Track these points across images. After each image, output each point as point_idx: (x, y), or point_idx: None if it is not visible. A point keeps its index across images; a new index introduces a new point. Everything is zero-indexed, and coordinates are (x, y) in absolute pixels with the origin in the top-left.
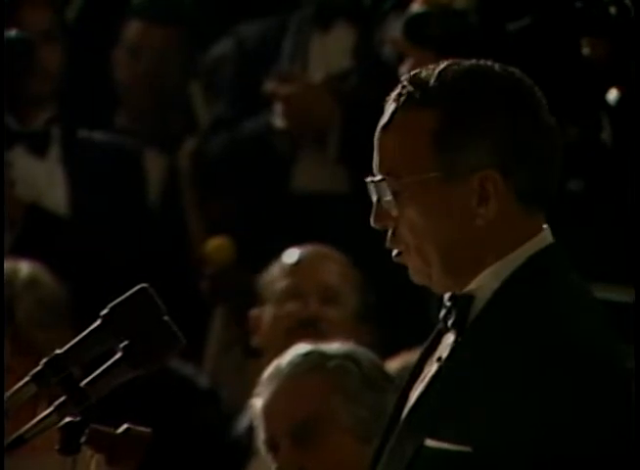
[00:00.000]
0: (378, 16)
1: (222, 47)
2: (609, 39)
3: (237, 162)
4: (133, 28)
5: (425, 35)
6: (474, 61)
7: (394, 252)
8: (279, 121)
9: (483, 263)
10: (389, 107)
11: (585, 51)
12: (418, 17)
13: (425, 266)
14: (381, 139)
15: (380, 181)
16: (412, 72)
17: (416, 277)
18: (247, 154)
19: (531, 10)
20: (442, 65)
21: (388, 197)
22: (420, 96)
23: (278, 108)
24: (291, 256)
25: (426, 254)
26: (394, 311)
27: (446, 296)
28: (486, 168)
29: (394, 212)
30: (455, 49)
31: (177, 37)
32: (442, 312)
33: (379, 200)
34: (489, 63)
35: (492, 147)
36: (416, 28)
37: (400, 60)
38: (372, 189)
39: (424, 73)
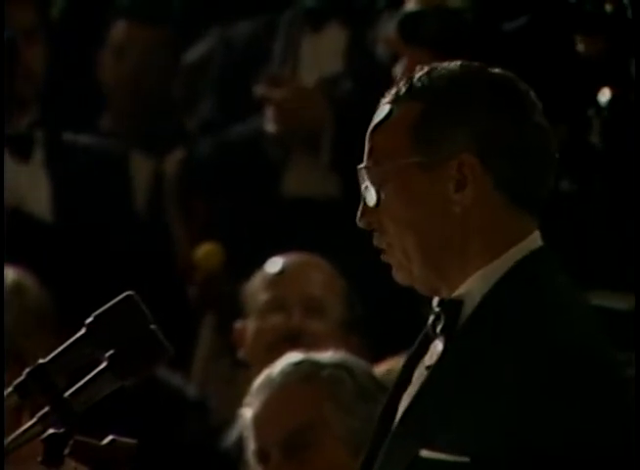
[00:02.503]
0: (371, 15)
1: (205, 46)
2: (603, 37)
3: (226, 166)
4: (119, 28)
5: (419, 35)
6: (466, 62)
7: (382, 252)
8: (270, 126)
9: (468, 259)
10: (383, 106)
11: (580, 48)
12: (412, 16)
13: (406, 261)
14: (370, 134)
15: (361, 169)
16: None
17: (398, 275)
18: (236, 158)
19: (527, 9)
20: (436, 64)
21: (368, 185)
22: (406, 91)
23: (269, 112)
24: (273, 265)
25: (406, 246)
26: (385, 319)
27: (435, 301)
28: (463, 153)
29: (373, 203)
30: (450, 48)
31: (164, 38)
32: (431, 318)
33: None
34: (484, 65)
35: (470, 134)
36: (410, 28)
37: (395, 60)
38: (361, 183)
39: (416, 72)
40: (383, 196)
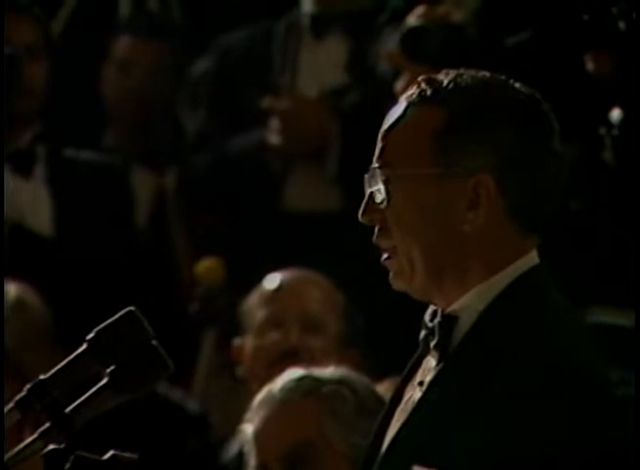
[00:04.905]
0: (373, 29)
1: (207, 61)
2: (615, 55)
3: (227, 180)
4: (123, 44)
5: (422, 50)
6: (494, 73)
7: (384, 256)
8: (274, 138)
9: (468, 276)
10: (401, 104)
11: (589, 66)
12: (414, 31)
13: (408, 268)
14: (386, 132)
15: (375, 169)
16: (428, 75)
17: (396, 281)
18: (237, 172)
19: (530, 24)
20: (461, 71)
21: (380, 185)
22: (431, 94)
23: (274, 124)
24: (271, 281)
25: (411, 254)
26: (387, 334)
27: (427, 316)
28: (482, 173)
29: (383, 204)
30: (453, 64)
31: (168, 53)
32: (422, 333)
33: (370, 194)
34: (510, 79)
35: (492, 155)
36: (413, 43)
37: (397, 75)
38: (366, 180)
39: (440, 76)
40: (393, 197)
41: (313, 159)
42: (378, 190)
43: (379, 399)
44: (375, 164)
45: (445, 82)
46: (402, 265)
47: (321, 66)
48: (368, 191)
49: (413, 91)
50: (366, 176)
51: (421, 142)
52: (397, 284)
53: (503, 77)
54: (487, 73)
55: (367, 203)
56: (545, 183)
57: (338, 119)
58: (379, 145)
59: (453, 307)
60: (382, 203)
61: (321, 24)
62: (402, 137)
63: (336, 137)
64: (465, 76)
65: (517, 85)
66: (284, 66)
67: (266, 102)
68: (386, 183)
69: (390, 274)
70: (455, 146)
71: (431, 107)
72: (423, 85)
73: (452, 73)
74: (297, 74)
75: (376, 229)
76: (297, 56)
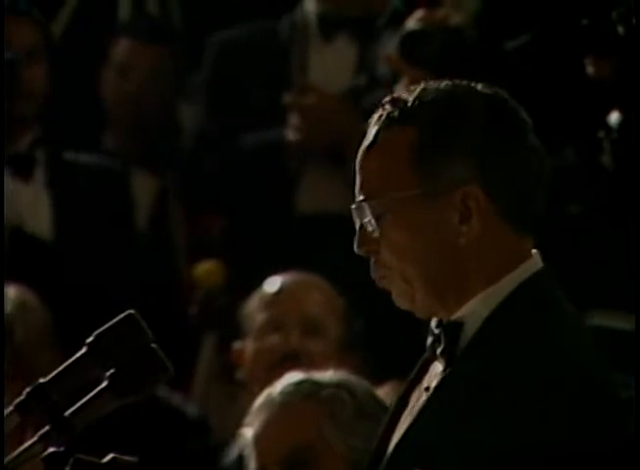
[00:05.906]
0: (374, 31)
1: (206, 60)
2: (614, 59)
3: (232, 181)
4: (122, 47)
5: (420, 54)
6: (456, 81)
7: (377, 277)
8: (292, 134)
9: (468, 286)
10: (371, 129)
11: (589, 70)
12: (413, 34)
13: (408, 289)
14: (362, 161)
15: (360, 202)
16: (392, 95)
17: (399, 301)
18: (246, 172)
19: (530, 27)
20: (423, 85)
21: (369, 217)
22: (398, 115)
23: (294, 120)
24: (271, 285)
25: (409, 276)
26: (387, 338)
27: (433, 323)
28: (467, 184)
29: (376, 234)
30: (452, 68)
31: (167, 56)
32: (429, 340)
33: (361, 225)
34: (472, 83)
35: (472, 163)
36: (411, 47)
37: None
38: (354, 214)
39: (404, 94)
40: (383, 225)
41: (330, 159)
42: (368, 221)
43: (378, 402)
44: (359, 197)
45: (410, 100)
46: (401, 286)
47: (330, 67)
48: (358, 224)
49: (380, 114)
50: (352, 209)
51: (399, 165)
52: (401, 304)
53: (466, 83)
54: (450, 82)
55: (360, 234)
56: (528, 179)
57: (363, 118)
58: (358, 176)
59: (458, 314)
60: (374, 232)
61: (329, 26)
62: (379, 163)
63: (361, 136)
64: (429, 90)
65: (480, 88)
66: (292, 65)
67: (288, 98)
68: (373, 213)
69: (393, 295)
70: (433, 162)
71: (400, 128)
72: (388, 107)
73: (416, 90)
74: (307, 75)
75: (372, 261)
76: (306, 57)
